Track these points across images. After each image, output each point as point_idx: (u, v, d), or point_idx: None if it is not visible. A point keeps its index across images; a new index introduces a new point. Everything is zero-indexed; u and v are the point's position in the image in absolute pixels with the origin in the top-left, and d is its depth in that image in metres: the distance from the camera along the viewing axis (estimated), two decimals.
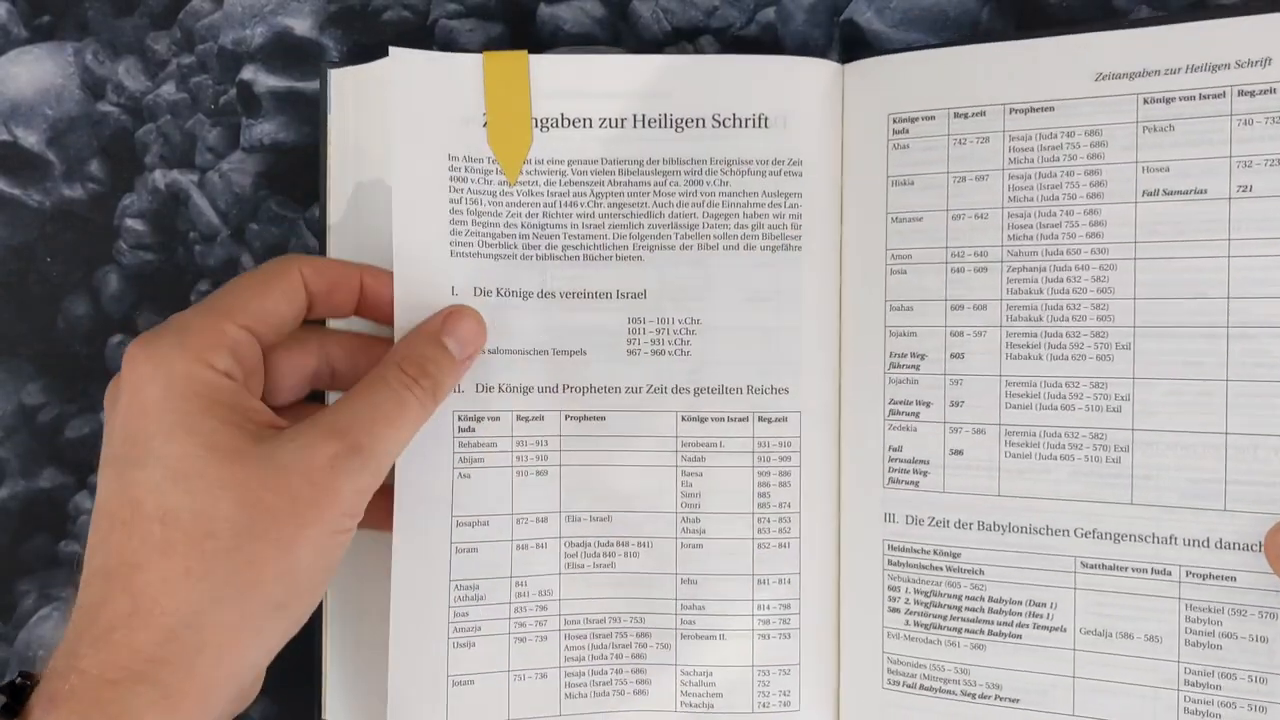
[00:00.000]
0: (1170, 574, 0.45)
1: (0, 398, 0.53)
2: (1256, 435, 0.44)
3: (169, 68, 0.53)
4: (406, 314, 0.48)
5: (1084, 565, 0.46)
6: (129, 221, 0.53)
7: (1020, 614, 0.47)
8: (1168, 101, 0.45)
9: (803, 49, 0.51)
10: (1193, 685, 0.45)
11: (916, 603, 0.48)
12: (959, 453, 0.48)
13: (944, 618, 0.48)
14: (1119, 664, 0.46)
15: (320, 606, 0.50)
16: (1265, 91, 0.44)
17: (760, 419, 0.49)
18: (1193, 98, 0.45)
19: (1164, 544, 0.45)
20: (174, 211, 0.53)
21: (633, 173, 0.49)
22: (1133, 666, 0.46)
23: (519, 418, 0.49)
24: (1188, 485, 0.45)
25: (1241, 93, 0.44)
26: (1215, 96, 0.44)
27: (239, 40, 0.53)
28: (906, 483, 0.48)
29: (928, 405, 0.48)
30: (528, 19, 0.52)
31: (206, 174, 0.53)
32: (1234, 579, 0.44)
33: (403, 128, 0.48)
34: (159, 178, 0.53)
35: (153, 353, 0.41)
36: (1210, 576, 0.45)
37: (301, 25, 0.53)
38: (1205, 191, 0.45)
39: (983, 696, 0.47)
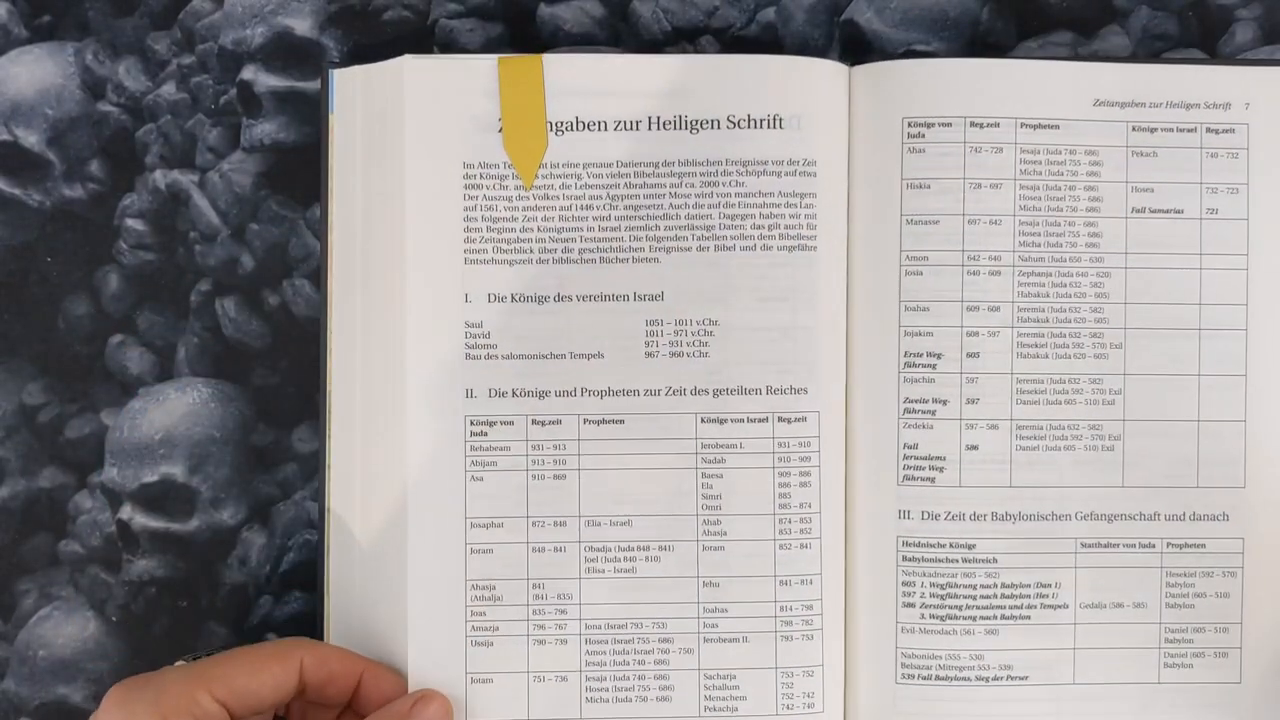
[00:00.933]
0: (1154, 546, 0.50)
1: (1, 397, 0.52)
2: (1222, 421, 0.50)
3: (169, 68, 0.52)
4: (420, 327, 0.48)
5: (1083, 545, 0.50)
6: (129, 221, 0.52)
7: (1029, 596, 0.49)
8: (1152, 131, 0.50)
9: (803, 49, 0.51)
10: (1171, 641, 0.50)
11: (932, 596, 0.49)
12: (974, 448, 0.49)
13: (960, 608, 0.49)
14: (1112, 632, 0.50)
15: (324, 607, 0.50)
16: (1226, 130, 0.50)
17: (780, 419, 0.49)
18: (1171, 130, 0.50)
19: (1149, 520, 0.50)
20: (174, 211, 0.52)
21: (648, 174, 0.49)
22: (1123, 632, 0.50)
23: (534, 421, 0.49)
24: (1168, 467, 0.50)
25: (1209, 130, 0.50)
26: (1188, 130, 0.50)
27: (239, 40, 0.52)
28: (922, 479, 0.49)
29: (944, 403, 0.49)
30: (528, 19, 0.51)
31: (207, 174, 0.52)
32: (1204, 545, 0.50)
33: (417, 136, 0.48)
34: (159, 178, 0.52)
35: (125, 702, 0.43)
36: (1186, 546, 0.50)
37: (301, 25, 0.51)
38: (1182, 211, 0.50)
39: (995, 679, 0.49)
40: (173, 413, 0.52)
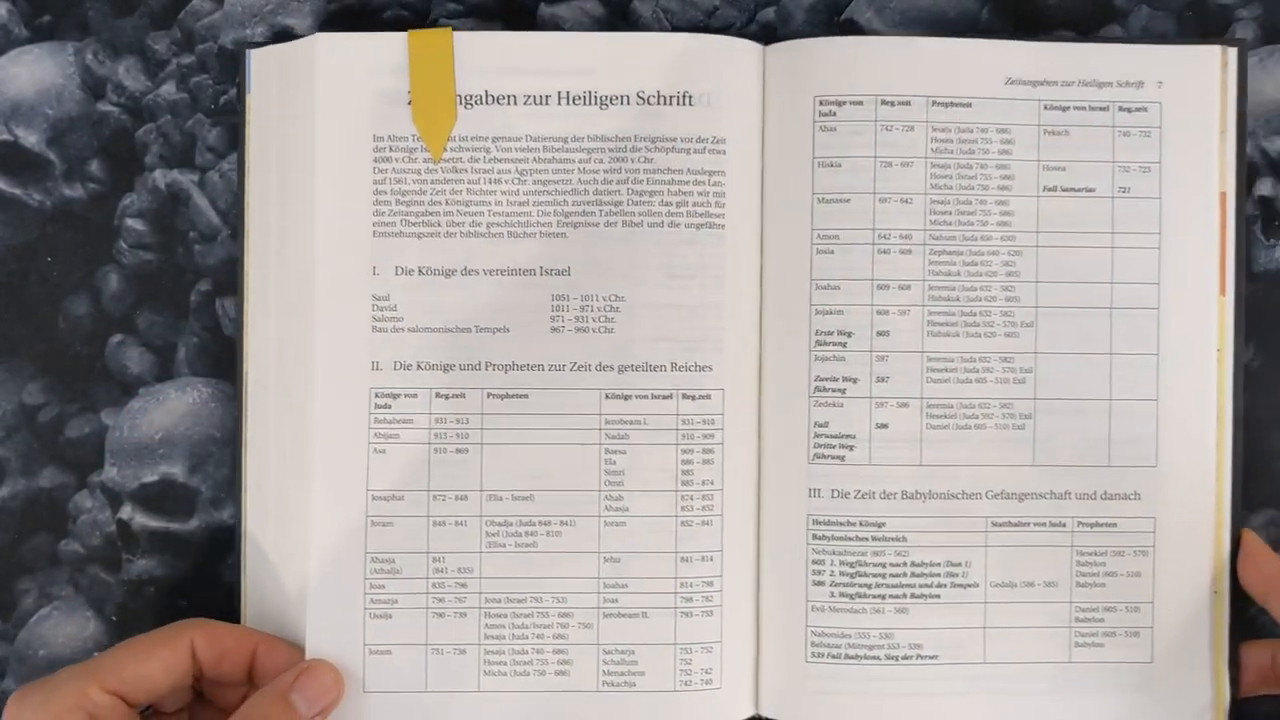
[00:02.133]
0: (1065, 525, 0.49)
1: (1, 397, 0.51)
2: (1134, 400, 0.49)
3: (169, 68, 0.52)
4: (329, 299, 0.48)
5: (994, 525, 0.49)
6: (129, 221, 0.51)
7: (939, 575, 0.49)
8: (1064, 109, 0.49)
9: None
10: (1082, 620, 0.49)
11: (842, 574, 0.48)
12: (884, 426, 0.48)
13: (869, 586, 0.48)
14: (1023, 611, 0.49)
15: (241, 581, 0.50)
16: (1138, 109, 0.49)
17: (684, 396, 0.48)
18: (1084, 108, 0.49)
19: (1060, 499, 0.49)
20: (174, 211, 0.51)
21: (557, 149, 0.48)
22: (1034, 611, 0.49)
23: (438, 395, 0.48)
24: (1079, 446, 0.49)
25: (1121, 108, 0.49)
26: (1100, 109, 0.49)
27: (239, 40, 0.51)
28: (833, 457, 0.48)
29: (854, 381, 0.48)
30: (527, 18, 0.51)
31: (207, 174, 0.51)
32: (1115, 525, 0.49)
33: (328, 110, 0.48)
34: (159, 177, 0.51)
35: (18, 711, 0.43)
36: (1097, 525, 0.49)
37: (301, 25, 0.51)
38: (1094, 190, 0.49)
39: (905, 658, 0.48)
40: (173, 412, 0.51)
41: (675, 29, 0.50)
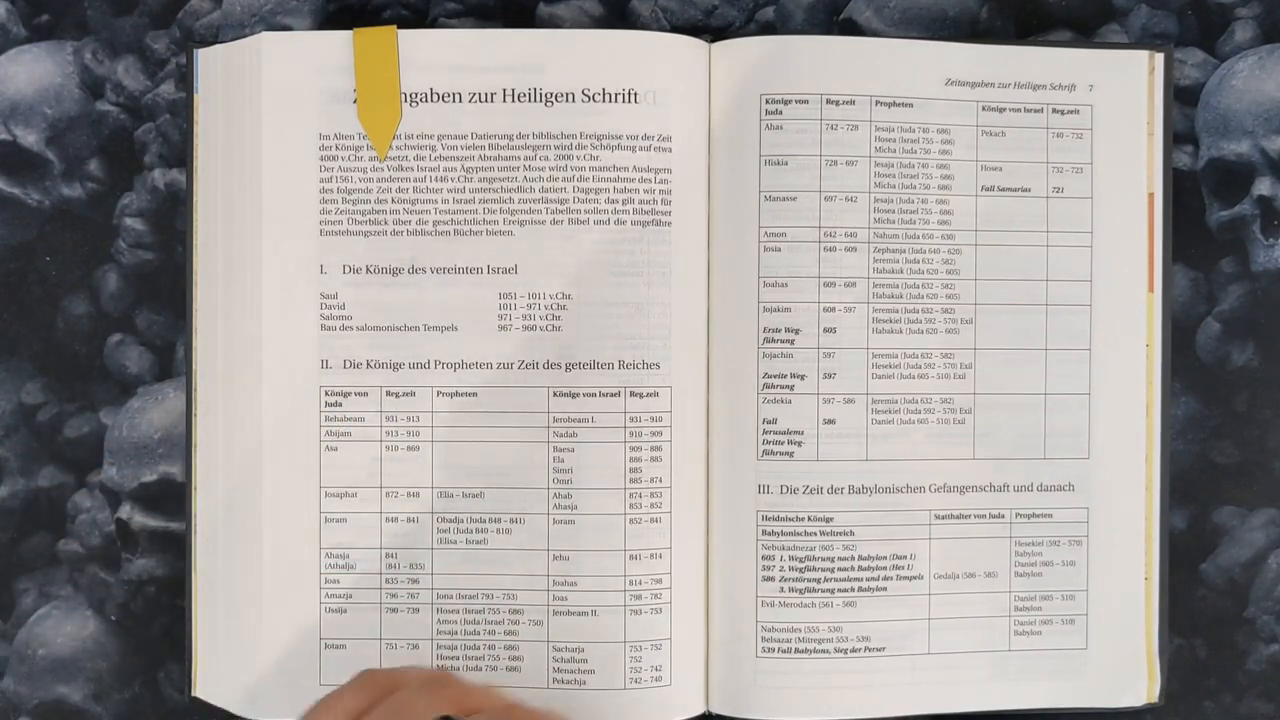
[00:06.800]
0: (1003, 517, 0.48)
1: (0, 396, 0.49)
2: (1067, 395, 0.48)
3: (168, 67, 0.50)
4: (277, 298, 0.46)
5: (936, 517, 0.48)
6: (128, 220, 0.50)
7: (885, 568, 0.48)
8: (1000, 111, 0.48)
9: None
10: (1020, 609, 0.48)
11: (791, 569, 0.47)
12: (831, 422, 0.47)
13: (818, 580, 0.47)
14: (965, 601, 0.48)
15: (191, 577, 0.48)
16: (1071, 111, 0.48)
17: (632, 394, 0.46)
18: (1019, 110, 0.48)
19: (999, 492, 0.48)
20: (173, 210, 0.49)
21: (503, 147, 0.46)
22: (975, 601, 0.48)
23: (389, 393, 0.46)
24: (1017, 439, 0.48)
25: (1055, 110, 0.48)
26: (1035, 111, 0.48)
27: (239, 40, 0.49)
28: (781, 454, 0.47)
29: (802, 378, 0.47)
30: (527, 18, 0.49)
31: None
32: (1051, 515, 0.48)
33: (274, 109, 0.46)
34: (158, 177, 0.49)
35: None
36: (1034, 516, 0.48)
37: (301, 25, 0.49)
38: (1029, 190, 0.48)
39: (854, 650, 0.47)
40: (172, 412, 0.49)
41: (674, 28, 0.49)
